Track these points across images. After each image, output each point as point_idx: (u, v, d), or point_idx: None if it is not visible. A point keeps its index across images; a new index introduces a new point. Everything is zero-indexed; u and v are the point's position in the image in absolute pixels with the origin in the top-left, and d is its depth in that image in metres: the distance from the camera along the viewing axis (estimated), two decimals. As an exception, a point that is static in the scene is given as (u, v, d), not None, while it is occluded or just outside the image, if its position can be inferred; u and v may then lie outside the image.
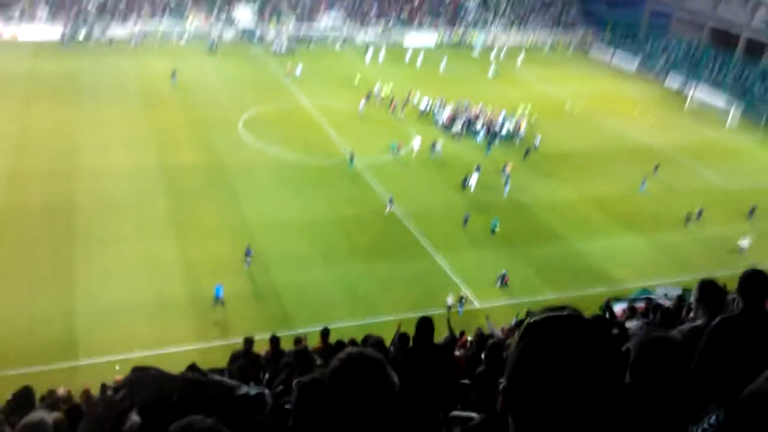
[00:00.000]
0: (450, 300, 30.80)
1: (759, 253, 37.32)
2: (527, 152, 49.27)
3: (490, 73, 70.55)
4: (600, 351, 1.84)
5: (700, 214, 41.97)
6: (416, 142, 47.95)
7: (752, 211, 42.73)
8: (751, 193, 47.04)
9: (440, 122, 53.21)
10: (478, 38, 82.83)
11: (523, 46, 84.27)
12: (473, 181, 43.04)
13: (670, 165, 51.09)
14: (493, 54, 77.92)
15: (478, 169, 44.15)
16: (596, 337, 1.86)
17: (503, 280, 33.51)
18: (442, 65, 70.51)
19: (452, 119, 53.29)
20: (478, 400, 8.36)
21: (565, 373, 1.80)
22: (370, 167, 44.50)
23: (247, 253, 32.42)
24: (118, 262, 31.40)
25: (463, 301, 31.55)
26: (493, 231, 38.07)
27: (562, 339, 1.85)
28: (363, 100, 54.17)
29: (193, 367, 12.71)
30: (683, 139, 57.63)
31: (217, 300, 29.22)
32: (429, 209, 39.82)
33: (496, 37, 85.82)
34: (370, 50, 73.51)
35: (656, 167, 48.26)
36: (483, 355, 10.56)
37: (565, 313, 1.94)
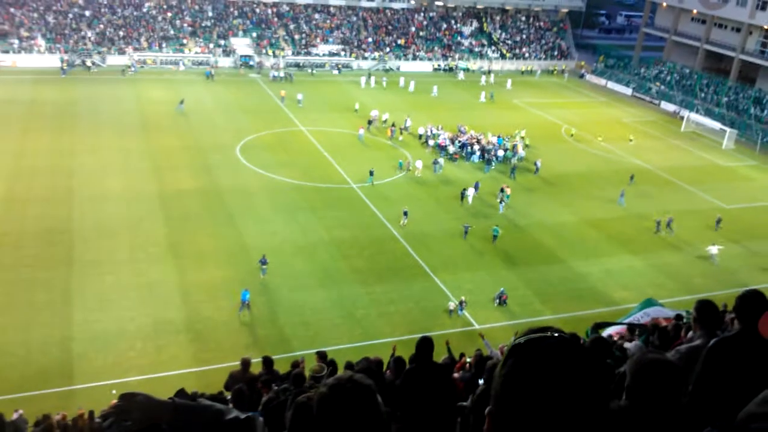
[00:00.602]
0: (451, 305, 32.19)
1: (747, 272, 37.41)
2: (513, 169, 50.33)
3: (482, 97, 71.06)
4: (586, 373, 1.82)
5: (669, 223, 42.99)
6: (419, 163, 48.95)
7: (718, 222, 44.19)
8: (747, 213, 47.22)
9: (438, 146, 53.37)
10: (462, 63, 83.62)
11: (517, 72, 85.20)
12: (470, 194, 44.08)
13: (667, 187, 51.30)
14: (482, 80, 78.78)
15: (476, 185, 45.35)
16: (582, 359, 1.84)
17: (501, 299, 33.49)
18: (434, 90, 71.32)
19: (449, 143, 53.60)
20: (476, 422, 8.29)
21: (551, 396, 1.78)
22: (366, 190, 44.58)
23: (263, 262, 33.34)
24: (116, 286, 31.26)
25: (464, 305, 32.27)
26: (495, 238, 39.15)
27: (547, 361, 1.82)
28: (361, 130, 54.36)
29: (181, 392, 12.59)
30: (679, 161, 57.92)
31: (244, 304, 30.24)
32: (427, 231, 39.81)
33: (491, 64, 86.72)
34: (369, 78, 74.24)
35: (632, 177, 49.11)
36: (482, 378, 10.49)
37: (549, 334, 1.92)
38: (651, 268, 38.18)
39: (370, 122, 57.20)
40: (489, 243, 39.05)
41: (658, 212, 44.31)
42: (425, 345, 9.14)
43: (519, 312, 32.48)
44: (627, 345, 13.15)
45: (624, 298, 34.54)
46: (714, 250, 39.41)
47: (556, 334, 1.94)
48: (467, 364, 17.63)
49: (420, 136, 55.44)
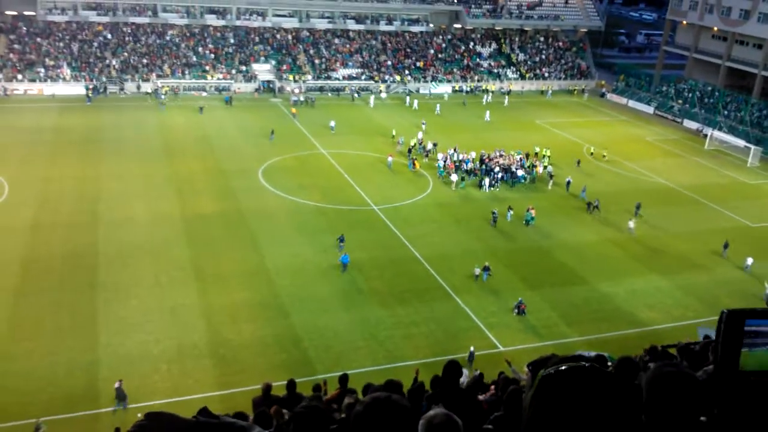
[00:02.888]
0: (477, 271, 36.39)
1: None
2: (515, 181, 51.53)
3: (487, 117, 71.47)
4: (616, 404, 1.80)
5: (638, 207, 46.62)
6: (453, 177, 50.71)
7: (638, 207, 47.20)
8: (776, 232, 46.50)
9: (462, 168, 53.19)
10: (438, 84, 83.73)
11: (530, 92, 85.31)
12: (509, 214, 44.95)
13: (692, 205, 50.73)
14: (485, 98, 79.29)
15: (510, 208, 45.64)
16: (612, 390, 1.81)
17: (519, 308, 33.47)
18: (437, 108, 71.44)
19: (471, 164, 53.63)
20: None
21: (581, 426, 1.77)
22: (388, 212, 44.63)
23: (341, 240, 38.40)
24: (140, 310, 31.50)
25: (489, 270, 36.55)
26: (527, 222, 43.29)
27: (576, 393, 1.80)
28: (390, 157, 54.08)
29: (204, 411, 12.61)
30: (704, 179, 57.31)
31: (345, 266, 35.83)
32: (448, 252, 39.69)
33: (488, 84, 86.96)
34: (406, 102, 74.97)
35: (638, 206, 47.54)
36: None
37: (579, 364, 1.90)
38: (677, 288, 37.62)
39: (401, 144, 57.45)
40: (512, 264, 38.73)
41: (708, 242, 43.30)
42: (452, 369, 9.06)
43: (545, 334, 32.11)
44: (653, 365, 12.90)
45: (651, 319, 34.10)
46: (631, 224, 43.47)
47: (584, 364, 1.92)
48: (492, 387, 17.43)
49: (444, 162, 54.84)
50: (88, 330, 29.69)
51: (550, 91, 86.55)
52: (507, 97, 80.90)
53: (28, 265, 35.07)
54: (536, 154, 57.92)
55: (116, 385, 25.15)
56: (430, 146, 57.54)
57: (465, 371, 28.52)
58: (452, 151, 55.29)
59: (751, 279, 38.67)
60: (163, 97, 70.71)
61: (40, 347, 28.32)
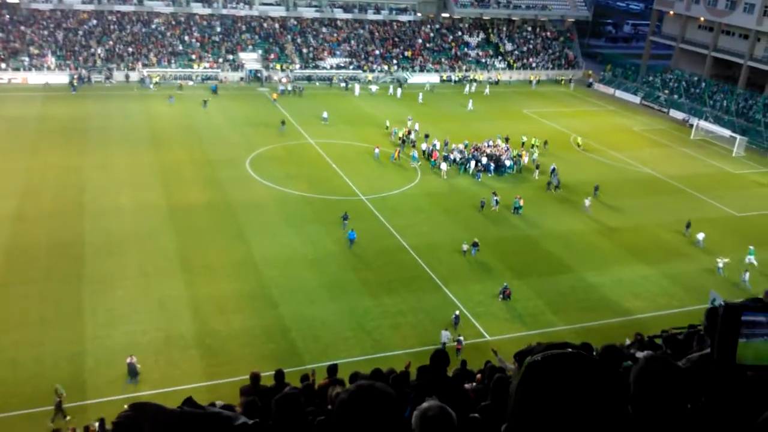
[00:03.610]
0: (465, 246, 37.76)
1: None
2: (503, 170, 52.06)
3: (470, 106, 71.60)
4: (602, 390, 1.81)
5: (596, 189, 48.32)
6: (443, 166, 50.85)
7: (596, 188, 48.77)
8: (759, 220, 46.92)
9: (450, 158, 53.18)
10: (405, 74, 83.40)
11: (518, 81, 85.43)
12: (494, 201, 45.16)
13: (678, 195, 51.09)
14: (466, 89, 79.22)
15: (494, 194, 45.73)
16: (598, 376, 1.82)
17: (505, 293, 33.88)
18: (420, 97, 71.34)
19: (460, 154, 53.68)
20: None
21: (567, 412, 1.77)
22: (376, 202, 44.61)
23: (345, 218, 39.78)
24: (126, 301, 31.35)
25: (478, 246, 37.92)
26: (515, 210, 43.97)
27: (563, 379, 1.80)
28: (377, 149, 53.54)
29: (189, 401, 12.60)
30: (689, 169, 57.70)
31: (352, 242, 37.46)
32: (437, 242, 39.76)
33: (476, 74, 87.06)
34: (374, 89, 74.72)
35: (596, 188, 48.88)
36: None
37: (565, 351, 1.90)
38: (663, 278, 37.92)
39: (403, 141, 56.60)
40: (499, 253, 38.93)
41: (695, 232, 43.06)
42: (439, 359, 9.10)
43: (531, 323, 32.30)
44: (639, 354, 13.04)
45: (637, 308, 34.37)
46: (587, 202, 44.66)
47: (570, 350, 1.92)
48: (478, 376, 17.52)
49: (424, 152, 54.86)
50: (74, 321, 29.52)
51: (535, 81, 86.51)
52: (488, 86, 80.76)
53: (12, 255, 34.77)
54: (523, 143, 58.14)
55: (128, 360, 25.92)
56: (412, 136, 57.45)
57: (447, 332, 29.68)
58: (436, 142, 55.19)
59: (736, 267, 39.00)
60: (151, 86, 70.11)
61: (26, 338, 28.14)
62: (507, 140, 57.85)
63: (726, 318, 3.04)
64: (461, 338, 29.67)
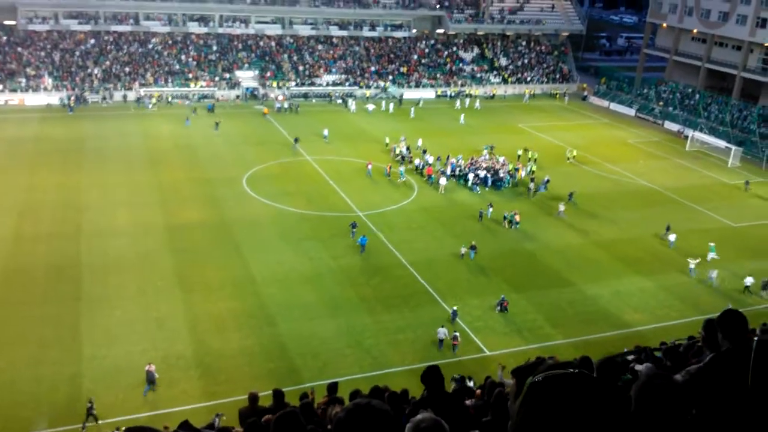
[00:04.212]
0: (463, 250, 39.14)
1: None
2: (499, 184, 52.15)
3: (461, 120, 72.04)
4: (605, 411, 1.82)
5: (570, 195, 49.15)
6: (442, 181, 50.95)
7: (570, 195, 49.88)
8: (756, 231, 47.00)
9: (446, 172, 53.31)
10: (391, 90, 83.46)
11: (513, 96, 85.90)
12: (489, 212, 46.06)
13: (674, 206, 51.18)
14: (457, 104, 79.65)
15: (491, 205, 46.67)
16: (600, 397, 1.83)
17: (502, 305, 33.98)
18: (412, 112, 71.59)
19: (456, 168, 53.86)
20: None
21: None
22: (373, 218, 44.64)
23: (353, 225, 41.06)
24: (124, 321, 31.26)
25: (476, 249, 39.27)
26: (511, 223, 44.41)
27: (565, 400, 1.82)
28: (370, 165, 53.54)
29: (185, 424, 12.47)
30: (685, 180, 57.85)
31: (363, 247, 39.14)
32: (434, 256, 39.77)
33: (470, 89, 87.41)
34: (383, 106, 75.09)
35: (570, 195, 50.01)
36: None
37: (569, 371, 1.91)
38: (661, 290, 37.90)
39: (402, 158, 56.47)
40: (497, 267, 38.93)
41: (693, 246, 43.89)
42: (433, 374, 9.06)
43: (530, 337, 32.23)
44: (638, 367, 13.01)
45: (636, 321, 34.34)
46: (562, 207, 44.64)
47: (573, 370, 1.94)
48: (478, 391, 17.48)
49: (417, 168, 54.92)
50: (72, 342, 29.43)
51: (527, 96, 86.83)
52: (478, 101, 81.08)
53: (10, 276, 34.72)
54: (518, 157, 58.37)
55: (147, 368, 26.79)
56: (405, 151, 57.66)
57: (444, 330, 30.68)
58: (429, 157, 55.49)
59: (732, 278, 39.01)
60: (150, 107, 70.30)
61: (24, 359, 28.03)
62: (492, 149, 59.16)
63: (759, 351, 3.14)
64: (457, 334, 30.69)
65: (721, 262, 40.62)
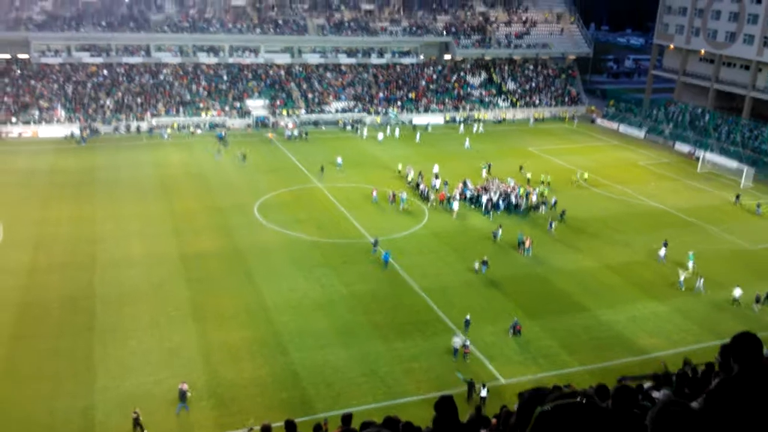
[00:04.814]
0: (476, 265, 40.74)
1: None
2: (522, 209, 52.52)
3: (466, 144, 72.24)
4: None
5: (562, 214, 49.93)
6: (455, 206, 51.30)
7: (563, 213, 50.71)
8: (772, 253, 46.57)
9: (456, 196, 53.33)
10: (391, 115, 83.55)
11: (517, 120, 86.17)
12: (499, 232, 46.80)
13: (687, 228, 50.84)
14: (461, 128, 79.68)
15: (500, 227, 47.40)
16: (609, 426, 1.81)
17: (515, 329, 33.88)
18: (417, 137, 71.83)
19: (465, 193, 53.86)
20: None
21: None
22: (384, 244, 44.56)
23: (375, 243, 42.92)
24: (138, 352, 31.23)
25: (487, 264, 40.77)
26: (520, 244, 44.41)
27: (573, 429, 1.80)
28: (375, 191, 53.46)
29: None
30: (698, 201, 57.53)
31: (387, 263, 40.78)
32: (446, 283, 39.60)
33: (472, 113, 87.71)
34: (387, 131, 75.51)
35: (563, 212, 50.75)
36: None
37: (577, 400, 1.89)
38: (677, 314, 37.50)
39: (417, 185, 56.05)
40: (510, 292, 38.70)
41: (705, 269, 43.64)
42: (446, 405, 8.93)
43: (545, 364, 31.87)
44: (655, 394, 12.83)
45: (653, 346, 33.91)
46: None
47: (581, 399, 1.91)
48: (493, 421, 17.24)
49: (421, 193, 54.74)
50: (86, 374, 29.40)
51: (532, 120, 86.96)
52: (481, 125, 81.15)
53: (24, 308, 34.86)
54: (528, 180, 58.34)
55: (180, 386, 27.43)
56: (411, 175, 57.83)
57: (458, 338, 32.05)
58: (436, 182, 55.71)
59: (745, 301, 38.57)
60: (166, 136, 70.86)
61: (38, 393, 28.01)
62: (489, 167, 61.15)
63: None
64: (468, 343, 31.95)
65: (735, 283, 40.16)
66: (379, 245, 43.09)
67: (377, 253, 42.29)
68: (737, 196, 58.02)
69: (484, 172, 60.30)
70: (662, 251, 44.26)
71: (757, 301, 38.33)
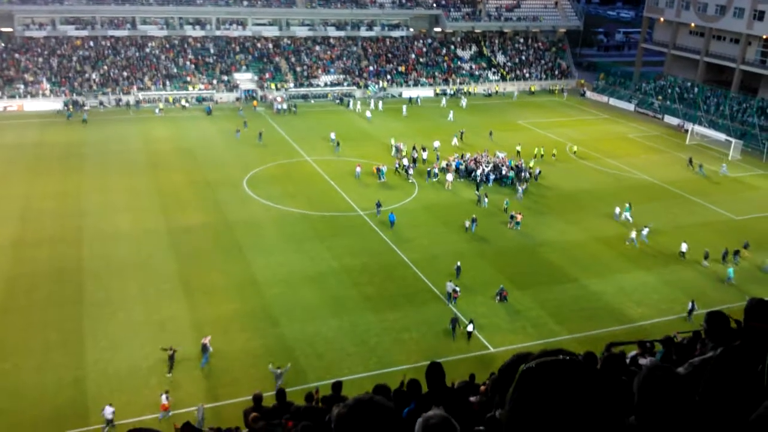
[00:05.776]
0: (467, 222, 42.89)
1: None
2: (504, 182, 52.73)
3: (450, 116, 72.10)
4: (597, 394, 1.79)
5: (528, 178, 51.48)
6: (449, 177, 51.55)
7: (530, 177, 52.33)
8: (759, 223, 46.95)
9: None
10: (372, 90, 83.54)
11: (484, 93, 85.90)
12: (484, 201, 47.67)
13: (676, 200, 51.16)
14: (443, 101, 79.56)
15: (486, 195, 48.41)
16: (593, 381, 1.80)
17: (501, 295, 34.63)
18: (404, 110, 71.84)
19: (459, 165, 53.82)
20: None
21: (563, 421, 1.75)
22: (374, 217, 44.61)
23: (378, 205, 44.60)
24: (128, 324, 31.23)
25: (476, 221, 42.77)
26: (511, 218, 44.57)
27: (557, 385, 1.78)
28: (358, 167, 52.73)
29: (187, 425, 12.50)
30: (686, 174, 57.81)
31: (393, 223, 42.66)
32: (437, 254, 39.73)
33: (450, 87, 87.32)
34: (371, 104, 75.06)
35: (530, 177, 50.97)
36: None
37: (559, 357, 1.88)
38: (664, 284, 37.86)
39: (414, 160, 55.30)
40: (500, 264, 38.89)
41: (692, 240, 43.98)
42: (435, 371, 9.03)
43: (534, 333, 32.19)
44: (642, 361, 12.97)
45: (640, 315, 34.30)
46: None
47: (566, 357, 1.90)
48: (482, 388, 17.41)
49: (404, 168, 54.29)
50: (75, 346, 29.39)
51: (516, 93, 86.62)
52: (464, 98, 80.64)
53: (12, 281, 34.70)
54: (518, 153, 58.36)
55: (203, 341, 28.58)
56: (403, 150, 57.62)
57: (451, 283, 34.71)
58: (425, 153, 55.53)
59: (744, 270, 38.97)
60: (157, 111, 69.99)
61: (27, 364, 28.00)
62: (462, 135, 62.90)
63: None
64: (458, 288, 34.52)
65: (716, 251, 40.52)
66: (382, 206, 44.94)
67: (381, 215, 44.02)
68: (690, 159, 59.80)
69: (455, 140, 61.75)
70: (618, 210, 46.58)
71: (706, 257, 40.29)
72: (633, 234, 42.80)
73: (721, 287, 37.44)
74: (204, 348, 28.48)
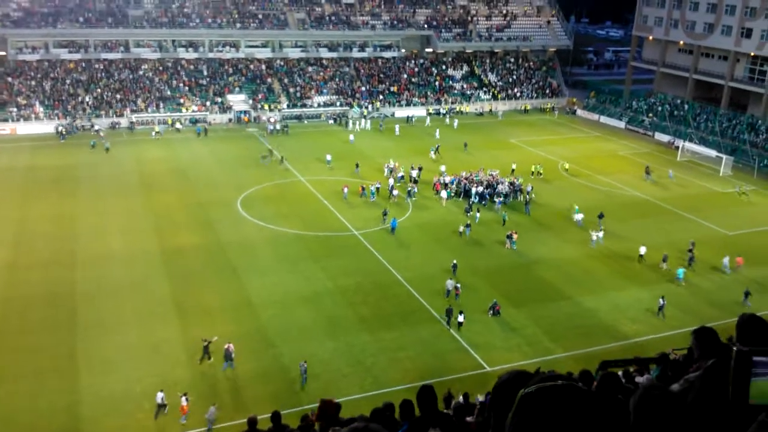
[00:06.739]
0: (461, 228, 45.05)
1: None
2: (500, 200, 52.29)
3: (437, 134, 72.24)
4: (597, 422, 1.81)
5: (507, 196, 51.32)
6: (443, 194, 52.27)
7: (508, 196, 52.74)
8: (752, 239, 47.16)
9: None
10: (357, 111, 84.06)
11: (472, 113, 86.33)
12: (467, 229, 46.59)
13: (668, 216, 51.36)
14: (427, 121, 79.84)
15: (478, 210, 49.30)
16: (591, 408, 1.82)
17: (494, 309, 34.80)
18: (397, 129, 72.45)
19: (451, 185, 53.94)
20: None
21: None
22: (368, 236, 44.58)
23: (385, 213, 46.72)
24: (121, 348, 30.99)
25: (470, 227, 44.78)
26: (508, 237, 44.32)
27: (556, 411, 1.80)
28: (345, 188, 52.57)
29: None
30: (678, 190, 58.12)
31: (394, 229, 44.75)
32: (430, 273, 39.68)
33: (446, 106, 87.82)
34: (364, 124, 75.40)
35: (508, 195, 52.77)
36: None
37: (559, 383, 1.90)
38: (658, 299, 37.84)
39: (415, 181, 55.09)
40: (494, 282, 38.88)
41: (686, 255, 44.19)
42: (426, 395, 9.01)
43: (530, 352, 32.11)
44: (639, 379, 12.95)
45: (635, 332, 34.29)
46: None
47: (562, 382, 1.92)
48: (477, 407, 17.31)
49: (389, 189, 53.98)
50: (68, 371, 29.14)
51: (501, 112, 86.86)
52: (456, 119, 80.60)
53: (5, 305, 34.46)
54: (513, 171, 58.52)
55: (226, 346, 29.53)
56: (390, 166, 57.67)
57: (451, 281, 36.91)
58: (416, 171, 55.86)
59: (734, 284, 39.09)
60: (154, 135, 69.49)
61: (21, 390, 27.71)
62: (437, 149, 64.45)
63: (738, 361, 3.09)
64: (458, 285, 36.65)
65: (716, 271, 40.63)
66: (388, 214, 47.10)
67: (387, 220, 46.36)
68: (647, 169, 61.82)
69: (432, 154, 63.40)
70: (579, 216, 48.15)
71: (664, 260, 41.90)
72: (593, 236, 44.90)
73: (715, 303, 37.47)
74: (227, 354, 29.29)
